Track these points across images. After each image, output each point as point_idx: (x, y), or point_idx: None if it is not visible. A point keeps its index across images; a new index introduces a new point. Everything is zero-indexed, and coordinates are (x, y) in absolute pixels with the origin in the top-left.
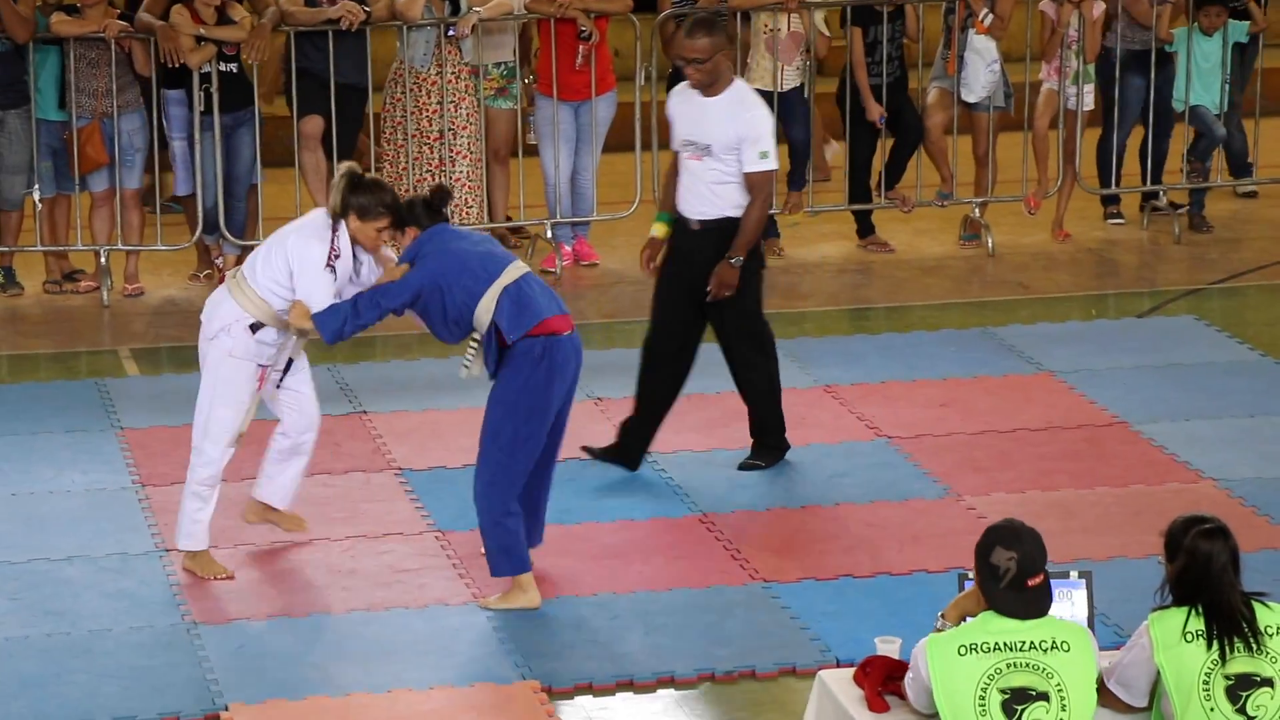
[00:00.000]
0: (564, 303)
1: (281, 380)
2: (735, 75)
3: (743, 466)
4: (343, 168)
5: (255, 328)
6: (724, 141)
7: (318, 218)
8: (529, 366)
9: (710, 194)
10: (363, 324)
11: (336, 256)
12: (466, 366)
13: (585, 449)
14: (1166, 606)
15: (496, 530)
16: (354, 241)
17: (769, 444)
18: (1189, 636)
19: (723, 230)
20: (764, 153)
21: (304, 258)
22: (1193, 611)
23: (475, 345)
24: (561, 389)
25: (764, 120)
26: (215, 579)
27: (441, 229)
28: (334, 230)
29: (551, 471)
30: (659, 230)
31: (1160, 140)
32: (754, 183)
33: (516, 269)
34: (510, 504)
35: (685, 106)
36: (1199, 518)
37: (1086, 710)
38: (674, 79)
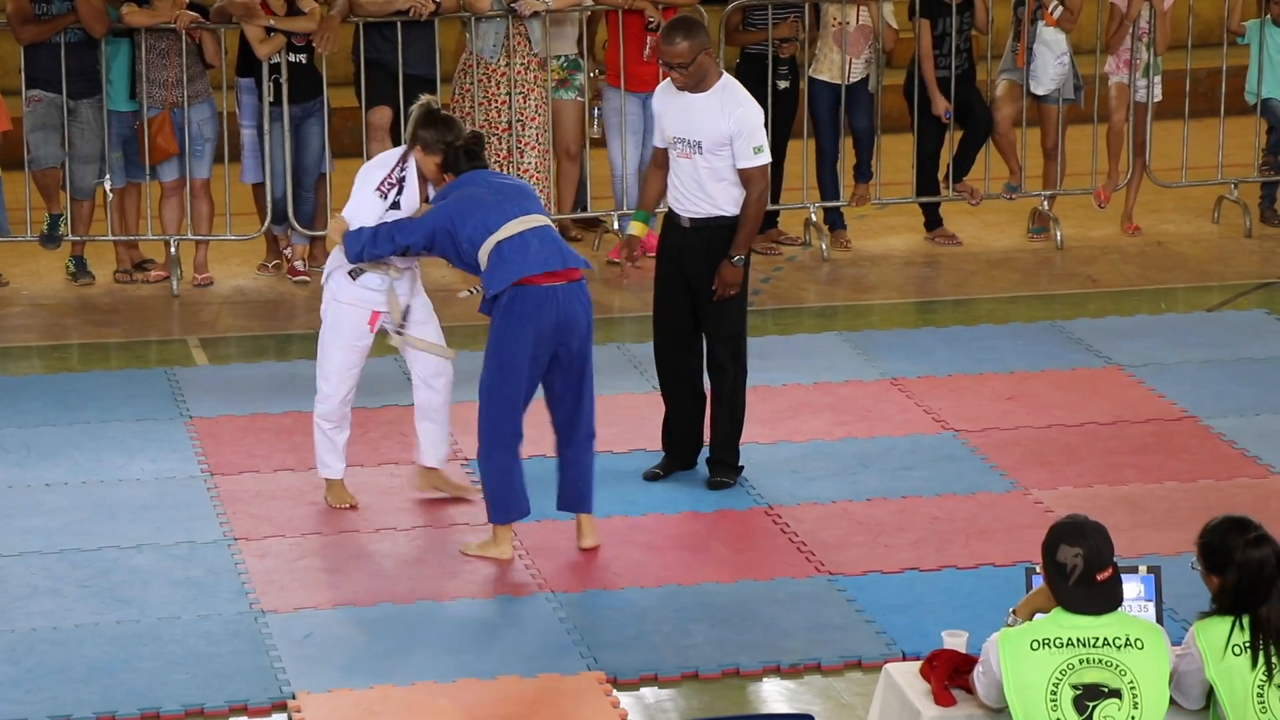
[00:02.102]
0: (572, 256)
1: (402, 330)
2: (721, 71)
3: (712, 486)
4: (421, 100)
5: (354, 274)
6: (714, 138)
7: (393, 150)
8: (497, 317)
9: (701, 193)
10: (378, 253)
11: (392, 185)
12: (469, 291)
13: (646, 477)
14: (1210, 614)
15: (487, 478)
16: (420, 175)
17: (728, 461)
18: (1236, 650)
19: (712, 229)
20: (758, 147)
21: (360, 180)
22: (1237, 623)
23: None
24: (534, 338)
25: (754, 114)
26: (340, 507)
27: (473, 175)
28: (402, 160)
29: (575, 432)
30: (635, 229)
31: None
32: (749, 177)
33: (520, 224)
34: (495, 452)
35: (672, 103)
36: (1238, 523)
37: (1159, 708)
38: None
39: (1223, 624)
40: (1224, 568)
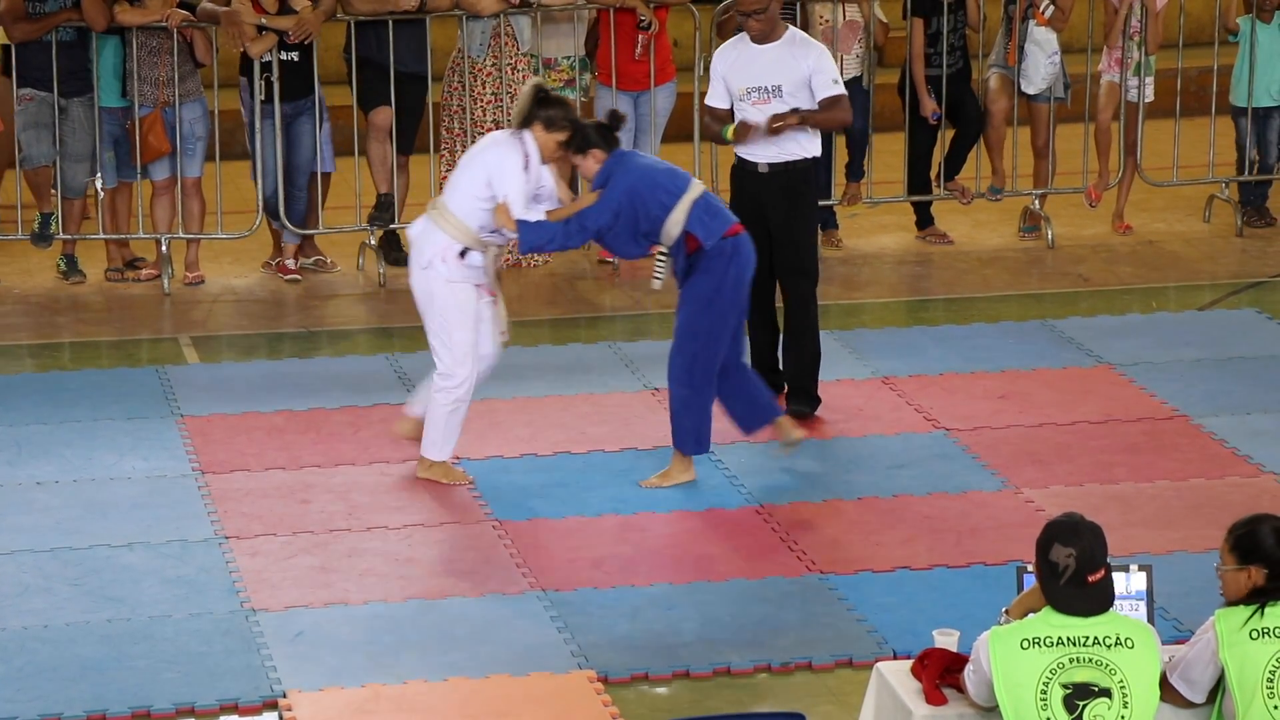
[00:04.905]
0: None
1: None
2: (788, 25)
3: (790, 415)
4: (530, 82)
5: (463, 254)
6: (794, 79)
7: (503, 135)
8: (723, 265)
9: (778, 138)
10: (570, 244)
11: (527, 163)
12: (659, 277)
13: None
14: (1234, 604)
15: (689, 411)
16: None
17: (809, 390)
18: (1254, 634)
19: (790, 172)
20: (835, 79)
21: (501, 164)
22: (1258, 611)
23: (663, 258)
24: (749, 280)
25: (826, 53)
26: (456, 485)
27: (625, 152)
28: (520, 140)
29: (744, 354)
30: (731, 128)
31: None
32: (831, 102)
33: (699, 184)
34: (705, 388)
35: (742, 58)
36: (1271, 518)
37: (1149, 708)
38: None
39: (1244, 611)
40: (1260, 559)
